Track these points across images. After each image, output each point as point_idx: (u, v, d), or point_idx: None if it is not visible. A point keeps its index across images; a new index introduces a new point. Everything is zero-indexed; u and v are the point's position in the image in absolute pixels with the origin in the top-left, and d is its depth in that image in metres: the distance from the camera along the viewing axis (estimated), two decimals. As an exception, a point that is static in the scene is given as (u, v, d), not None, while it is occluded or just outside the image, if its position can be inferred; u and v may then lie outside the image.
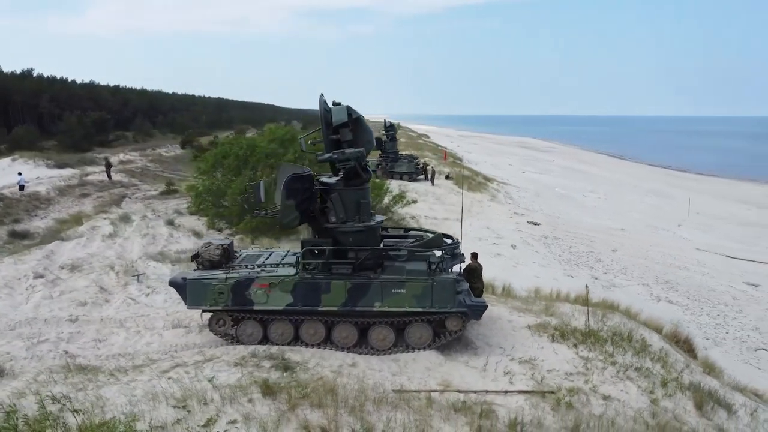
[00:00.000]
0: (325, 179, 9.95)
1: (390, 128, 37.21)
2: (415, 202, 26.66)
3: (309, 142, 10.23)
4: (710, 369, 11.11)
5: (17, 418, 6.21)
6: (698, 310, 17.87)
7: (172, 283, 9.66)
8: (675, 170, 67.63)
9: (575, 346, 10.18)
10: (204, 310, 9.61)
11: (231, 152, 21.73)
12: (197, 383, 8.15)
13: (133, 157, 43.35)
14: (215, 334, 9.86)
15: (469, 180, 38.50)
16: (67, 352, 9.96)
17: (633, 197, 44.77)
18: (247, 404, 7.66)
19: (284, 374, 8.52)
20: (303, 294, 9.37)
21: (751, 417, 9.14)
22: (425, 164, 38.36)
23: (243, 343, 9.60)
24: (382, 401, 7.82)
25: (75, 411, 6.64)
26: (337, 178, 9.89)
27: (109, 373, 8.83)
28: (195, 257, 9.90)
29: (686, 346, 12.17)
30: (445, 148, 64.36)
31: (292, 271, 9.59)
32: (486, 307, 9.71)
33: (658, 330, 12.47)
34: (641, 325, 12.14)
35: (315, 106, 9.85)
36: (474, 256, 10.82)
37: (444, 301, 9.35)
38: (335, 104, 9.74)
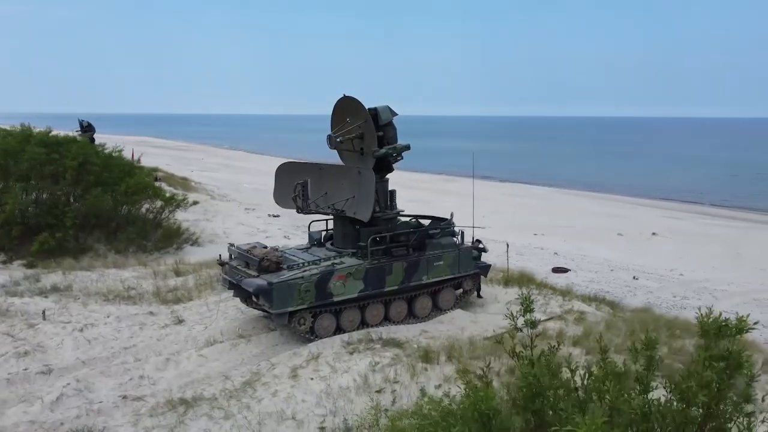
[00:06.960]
0: None
1: (88, 128, 32.98)
2: (196, 203, 24.88)
3: (338, 139, 10.66)
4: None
5: None
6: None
7: (259, 290, 9.19)
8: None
9: (520, 287, 13.49)
10: (290, 312, 9.45)
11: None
12: (348, 375, 8.53)
13: None
14: (297, 334, 9.76)
15: (172, 181, 37.16)
16: (125, 397, 8.36)
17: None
18: (424, 372, 8.61)
19: (400, 349, 9.44)
20: (372, 279, 10.25)
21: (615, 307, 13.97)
22: (133, 166, 35.52)
23: (320, 337, 9.84)
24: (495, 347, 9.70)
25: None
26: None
27: (224, 398, 8.21)
28: (261, 261, 9.50)
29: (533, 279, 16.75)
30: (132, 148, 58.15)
31: (358, 260, 10.27)
32: (490, 266, 12.25)
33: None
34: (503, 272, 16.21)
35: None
36: None
37: (466, 265, 11.51)
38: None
